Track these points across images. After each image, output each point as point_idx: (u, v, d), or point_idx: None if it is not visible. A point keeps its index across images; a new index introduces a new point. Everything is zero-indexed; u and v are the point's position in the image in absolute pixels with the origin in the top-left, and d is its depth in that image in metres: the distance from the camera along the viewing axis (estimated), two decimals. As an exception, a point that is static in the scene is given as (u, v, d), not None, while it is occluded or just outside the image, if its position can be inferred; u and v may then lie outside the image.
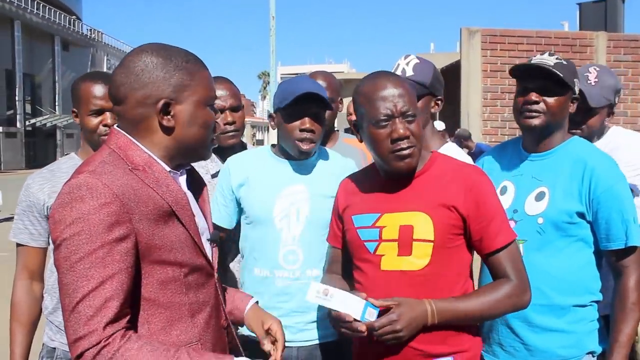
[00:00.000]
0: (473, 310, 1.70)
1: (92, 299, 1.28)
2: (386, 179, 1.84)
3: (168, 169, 1.49)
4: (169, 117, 1.45)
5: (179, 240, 1.45)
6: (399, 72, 2.33)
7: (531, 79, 2.03)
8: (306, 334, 2.21)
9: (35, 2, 38.44)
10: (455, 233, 1.74)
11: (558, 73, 1.96)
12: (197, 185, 1.66)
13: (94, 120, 2.20)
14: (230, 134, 2.63)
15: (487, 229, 1.73)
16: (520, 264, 1.76)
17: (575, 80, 2.04)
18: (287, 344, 2.15)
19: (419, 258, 1.73)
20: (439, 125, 9.60)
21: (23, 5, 36.92)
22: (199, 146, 1.54)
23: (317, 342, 2.22)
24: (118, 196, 1.33)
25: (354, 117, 2.11)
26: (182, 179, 1.57)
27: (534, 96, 2.01)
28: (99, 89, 2.19)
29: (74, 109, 2.28)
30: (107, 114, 2.19)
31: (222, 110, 2.61)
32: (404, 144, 1.72)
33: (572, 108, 2.07)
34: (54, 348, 2.23)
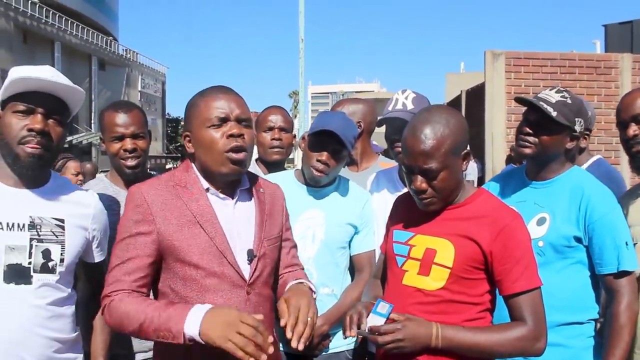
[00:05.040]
0: (479, 344, 1.76)
1: (116, 271, 1.75)
2: None
3: (207, 186, 1.83)
4: (190, 144, 1.86)
5: (199, 245, 1.76)
6: (399, 107, 2.55)
7: (533, 111, 2.19)
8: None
9: (75, 24, 39.70)
10: (474, 266, 1.82)
11: (551, 114, 2.10)
12: (264, 208, 1.93)
13: (116, 146, 2.46)
14: (276, 150, 3.06)
15: (510, 271, 1.79)
16: (539, 311, 1.79)
17: (577, 119, 2.17)
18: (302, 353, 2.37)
19: (435, 280, 1.84)
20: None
21: (63, 27, 38.18)
22: (211, 164, 1.81)
23: (331, 351, 2.47)
24: (147, 200, 1.77)
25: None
26: (225, 201, 1.86)
27: (527, 129, 2.19)
28: (120, 117, 2.46)
29: (101, 137, 2.56)
30: (127, 139, 2.45)
31: (272, 129, 3.06)
32: (421, 195, 1.85)
33: (571, 144, 2.21)
34: None
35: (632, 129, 2.24)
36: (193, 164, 1.88)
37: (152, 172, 2.75)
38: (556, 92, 2.18)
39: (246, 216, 1.89)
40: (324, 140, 2.36)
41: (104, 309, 1.75)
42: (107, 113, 2.50)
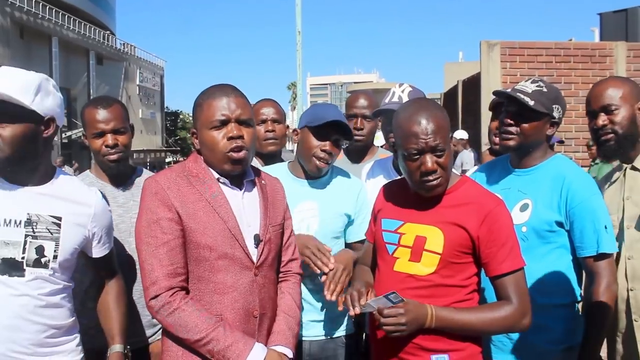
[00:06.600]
0: (469, 323, 1.89)
1: (153, 262, 1.86)
2: (415, 192, 2.01)
3: (216, 175, 1.97)
4: (197, 141, 2.01)
5: (213, 228, 1.90)
6: (395, 100, 2.61)
7: (511, 103, 2.27)
8: (317, 330, 2.51)
9: (72, 19, 39.59)
10: (463, 251, 1.92)
11: (529, 103, 2.19)
12: (267, 197, 2.08)
13: (98, 142, 2.50)
14: (270, 141, 3.11)
15: (496, 254, 1.90)
16: (523, 290, 1.91)
17: (554, 106, 2.25)
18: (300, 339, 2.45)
19: (426, 266, 1.94)
20: (462, 134, 9.77)
21: (60, 22, 38.08)
22: (214, 162, 1.96)
23: (327, 337, 2.52)
24: (163, 188, 1.90)
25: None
26: (234, 191, 2.00)
27: (508, 120, 2.27)
28: (100, 113, 2.48)
29: (83, 133, 2.58)
30: (108, 135, 2.48)
31: (265, 121, 3.11)
32: (431, 176, 1.90)
33: (551, 131, 2.29)
34: None
35: (602, 119, 2.30)
36: (201, 156, 2.01)
37: (139, 167, 2.75)
38: (532, 82, 2.27)
39: (252, 205, 2.03)
40: (326, 130, 2.43)
41: (156, 308, 1.85)
42: (88, 109, 2.51)
